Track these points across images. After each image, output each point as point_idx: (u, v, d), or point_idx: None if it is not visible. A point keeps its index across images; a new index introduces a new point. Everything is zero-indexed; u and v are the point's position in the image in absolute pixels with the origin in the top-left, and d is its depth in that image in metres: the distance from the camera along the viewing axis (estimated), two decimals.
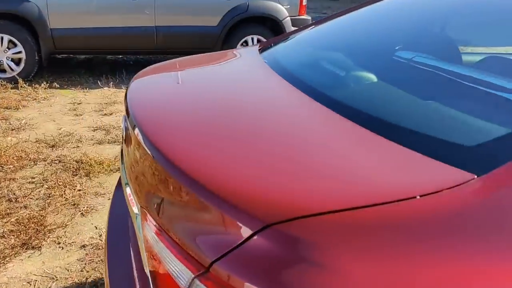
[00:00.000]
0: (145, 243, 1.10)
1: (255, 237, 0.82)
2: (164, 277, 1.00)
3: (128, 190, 1.37)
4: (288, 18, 6.29)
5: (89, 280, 2.44)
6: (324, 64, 1.68)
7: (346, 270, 0.76)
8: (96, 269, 2.51)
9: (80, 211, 3.05)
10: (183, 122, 1.26)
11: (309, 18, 6.67)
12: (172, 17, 5.90)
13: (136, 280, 1.23)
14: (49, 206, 3.05)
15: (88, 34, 5.71)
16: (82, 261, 2.57)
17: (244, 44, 6.22)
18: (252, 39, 6.23)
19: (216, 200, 0.90)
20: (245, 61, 1.85)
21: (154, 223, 1.05)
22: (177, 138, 1.15)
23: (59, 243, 2.72)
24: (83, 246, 2.70)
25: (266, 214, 0.84)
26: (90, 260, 2.58)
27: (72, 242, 2.73)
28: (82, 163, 3.66)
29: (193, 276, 0.89)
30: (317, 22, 2.09)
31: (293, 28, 6.42)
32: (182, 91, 1.52)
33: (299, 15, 6.46)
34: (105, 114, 4.86)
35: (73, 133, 4.31)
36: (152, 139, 1.12)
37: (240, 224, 0.86)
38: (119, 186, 1.90)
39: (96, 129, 4.44)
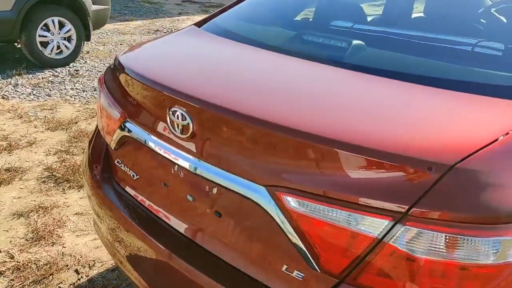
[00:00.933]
0: (289, 217, 1.18)
1: (444, 178, 1.03)
2: (338, 238, 1.13)
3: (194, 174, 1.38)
4: None
5: None
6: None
7: None
8: None
9: None
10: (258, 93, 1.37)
11: None
12: None
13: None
14: None
15: None
16: None
17: (44, 28, 5.68)
18: (53, 21, 5.72)
19: (393, 156, 1.07)
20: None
21: (303, 193, 1.15)
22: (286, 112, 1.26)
23: None
24: (0, 273, 2.37)
25: (447, 157, 1.05)
26: (21, 284, 2.29)
27: None
28: None
29: (392, 223, 1.05)
30: None
31: (94, 7, 6.12)
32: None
33: None
34: None
35: None
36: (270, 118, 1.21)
37: (425, 170, 1.05)
38: (107, 183, 1.79)
39: None
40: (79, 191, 3.14)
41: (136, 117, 1.59)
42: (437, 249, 1.03)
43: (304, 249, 1.18)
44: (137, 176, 1.68)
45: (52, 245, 2.59)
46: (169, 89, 1.41)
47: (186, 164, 1.41)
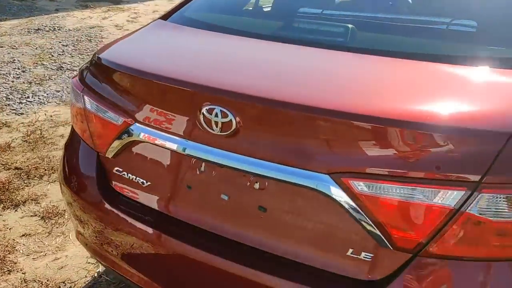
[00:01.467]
0: (357, 201, 1.20)
1: (507, 145, 1.13)
2: (412, 214, 1.17)
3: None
4: None
5: None
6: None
7: None
8: None
9: None
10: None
11: None
12: None
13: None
14: None
15: None
16: None
17: None
18: None
19: (461, 130, 1.13)
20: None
21: (371, 176, 1.18)
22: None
23: None
24: None
25: (506, 125, 1.15)
26: None
27: None
28: None
29: (468, 192, 1.12)
30: None
31: None
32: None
33: None
34: None
35: None
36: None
37: (488, 140, 1.13)
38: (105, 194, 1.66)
39: None
40: (16, 210, 2.84)
41: (149, 119, 1.48)
42: (509, 211, 1.13)
43: (376, 229, 1.21)
44: (148, 183, 1.57)
45: (9, 273, 2.32)
46: (203, 87, 1.34)
47: (226, 162, 1.35)
